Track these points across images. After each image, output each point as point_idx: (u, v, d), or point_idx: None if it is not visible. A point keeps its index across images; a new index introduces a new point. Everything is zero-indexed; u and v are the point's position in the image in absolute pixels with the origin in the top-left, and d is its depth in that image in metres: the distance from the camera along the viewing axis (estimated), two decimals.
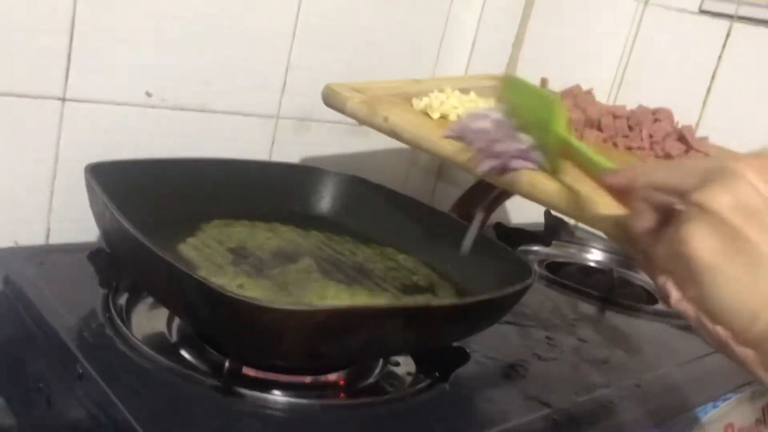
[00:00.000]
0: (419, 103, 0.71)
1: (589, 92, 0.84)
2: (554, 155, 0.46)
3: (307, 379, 0.55)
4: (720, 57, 1.05)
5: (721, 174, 0.31)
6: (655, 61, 1.12)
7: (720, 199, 0.31)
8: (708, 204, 0.31)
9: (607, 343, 0.76)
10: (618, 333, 0.80)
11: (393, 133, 0.66)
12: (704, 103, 1.06)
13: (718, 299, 0.32)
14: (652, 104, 0.83)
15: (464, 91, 0.74)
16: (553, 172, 0.47)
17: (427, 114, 0.70)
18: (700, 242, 0.31)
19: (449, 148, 0.60)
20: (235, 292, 0.46)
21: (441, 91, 0.73)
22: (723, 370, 0.68)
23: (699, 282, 0.32)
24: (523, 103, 0.49)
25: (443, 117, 0.69)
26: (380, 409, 0.52)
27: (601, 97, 1.03)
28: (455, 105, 0.70)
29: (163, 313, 0.59)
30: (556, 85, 0.84)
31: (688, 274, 0.32)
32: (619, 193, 0.39)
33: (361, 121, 0.69)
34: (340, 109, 0.70)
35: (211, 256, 0.61)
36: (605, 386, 0.64)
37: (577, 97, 0.81)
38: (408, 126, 0.66)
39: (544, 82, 0.85)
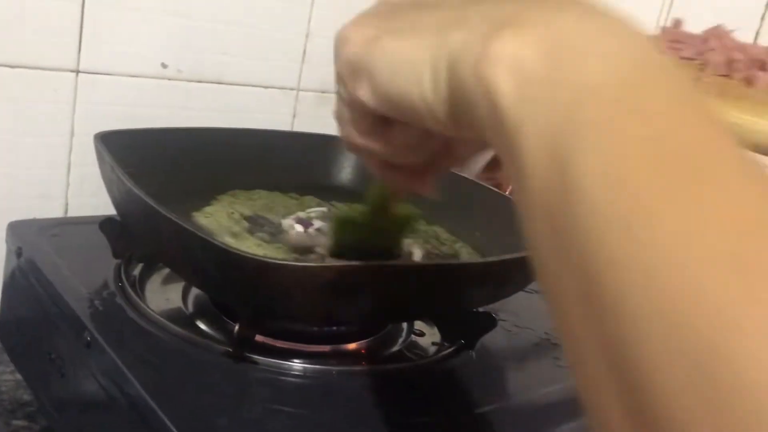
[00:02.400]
0: None
1: (731, 33, 0.76)
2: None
3: (327, 348, 0.53)
4: None
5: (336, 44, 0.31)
6: None
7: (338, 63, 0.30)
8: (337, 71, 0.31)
9: None
10: None
11: None
12: None
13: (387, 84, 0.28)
14: None
15: None
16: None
17: None
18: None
19: None
20: (240, 249, 0.43)
21: None
22: None
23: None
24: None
25: None
26: (401, 375, 0.49)
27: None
28: None
29: (179, 285, 0.58)
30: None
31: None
32: None
33: None
34: None
35: (227, 224, 0.59)
36: None
37: (722, 37, 0.73)
38: None
39: (677, 23, 0.78)
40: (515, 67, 0.22)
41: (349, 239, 0.48)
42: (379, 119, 0.30)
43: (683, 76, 0.20)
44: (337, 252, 0.49)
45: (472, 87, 0.24)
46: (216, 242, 0.43)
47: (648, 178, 0.18)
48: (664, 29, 0.75)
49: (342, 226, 0.49)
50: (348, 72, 0.29)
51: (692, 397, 0.16)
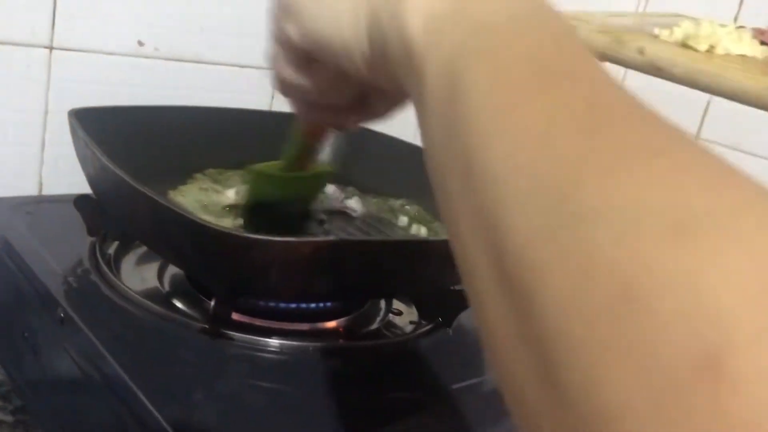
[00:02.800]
0: (667, 34, 0.62)
1: None
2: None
3: (305, 327, 0.53)
4: None
5: None
6: None
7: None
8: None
9: None
10: None
11: (654, 68, 0.57)
12: None
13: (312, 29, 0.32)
14: None
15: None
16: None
17: (688, 46, 0.61)
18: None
19: (755, 85, 0.53)
20: (217, 224, 0.43)
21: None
22: None
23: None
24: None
25: (711, 49, 0.61)
26: (378, 352, 0.50)
27: None
28: (719, 35, 0.62)
29: (154, 265, 0.57)
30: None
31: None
32: None
33: (601, 55, 0.59)
34: None
35: (203, 202, 0.59)
36: None
37: None
38: (679, 58, 0.56)
39: None
40: (425, 8, 0.26)
41: (263, 192, 0.51)
42: (305, 58, 0.34)
43: (556, 15, 0.25)
44: (249, 209, 0.52)
45: (387, 29, 0.28)
46: (191, 217, 0.43)
47: (520, 78, 0.22)
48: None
49: (257, 179, 0.51)
50: (280, 11, 0.34)
51: (545, 233, 0.19)
